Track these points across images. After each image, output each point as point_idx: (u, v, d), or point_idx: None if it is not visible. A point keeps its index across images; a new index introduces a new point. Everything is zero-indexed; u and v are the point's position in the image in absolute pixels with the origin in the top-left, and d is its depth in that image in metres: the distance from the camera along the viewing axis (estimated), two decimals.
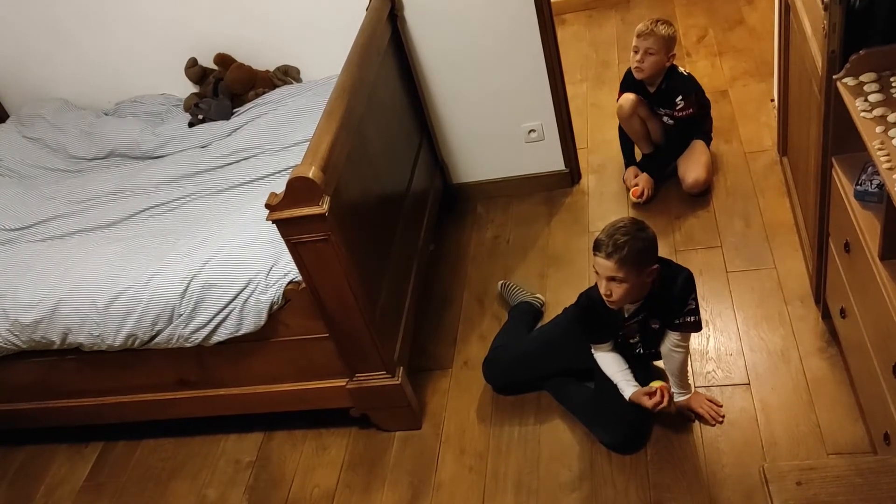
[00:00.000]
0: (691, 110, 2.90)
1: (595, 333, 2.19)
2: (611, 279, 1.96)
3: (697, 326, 2.09)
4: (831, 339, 2.28)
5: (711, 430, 2.16)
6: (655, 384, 2.08)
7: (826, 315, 2.31)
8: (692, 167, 2.91)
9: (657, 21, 2.82)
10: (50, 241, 2.52)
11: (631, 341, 2.20)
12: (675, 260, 2.66)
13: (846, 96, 1.75)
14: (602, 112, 3.53)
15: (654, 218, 2.88)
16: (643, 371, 2.26)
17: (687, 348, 2.14)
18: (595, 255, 1.97)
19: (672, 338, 2.12)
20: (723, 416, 2.18)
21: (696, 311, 2.08)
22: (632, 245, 1.91)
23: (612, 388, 2.20)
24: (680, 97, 2.88)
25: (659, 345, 2.18)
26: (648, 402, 2.06)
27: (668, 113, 2.95)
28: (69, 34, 2.98)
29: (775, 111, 2.91)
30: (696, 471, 2.08)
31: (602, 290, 2.00)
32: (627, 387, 2.14)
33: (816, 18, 1.96)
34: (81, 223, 2.56)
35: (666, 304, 2.07)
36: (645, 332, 2.16)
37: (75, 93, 3.13)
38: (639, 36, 2.82)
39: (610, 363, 2.19)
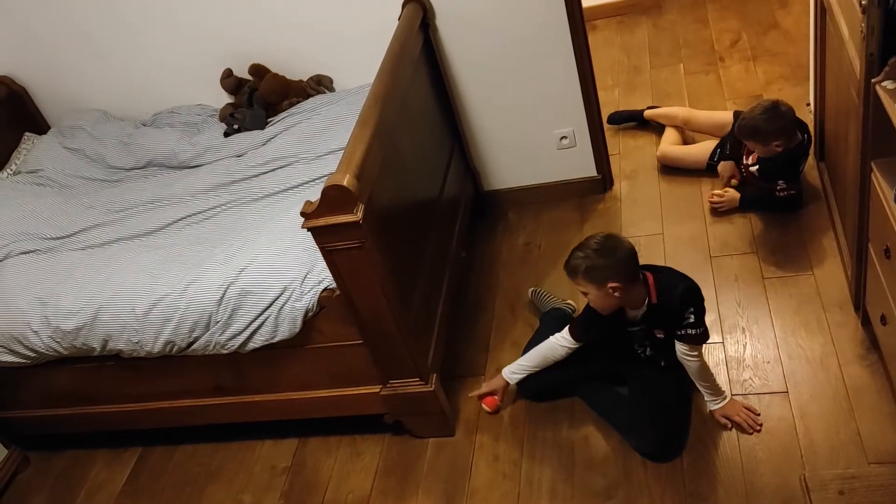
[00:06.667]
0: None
1: (592, 336, 2.23)
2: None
3: (700, 338, 2.09)
4: (871, 347, 2.24)
5: (749, 439, 2.13)
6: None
7: (866, 322, 2.27)
8: None
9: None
10: (90, 249, 2.56)
11: (639, 351, 2.23)
12: (710, 266, 2.65)
13: (885, 100, 1.73)
14: None
15: (688, 224, 2.86)
16: (652, 371, 2.25)
17: (698, 356, 2.13)
18: None
19: (679, 347, 2.13)
20: (760, 425, 2.15)
21: (697, 324, 2.07)
22: (585, 265, 2.03)
23: (646, 394, 2.19)
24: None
25: (673, 351, 2.17)
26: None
27: None
28: (107, 47, 3.04)
29: (811, 115, 2.88)
30: (733, 479, 2.05)
31: None
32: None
33: (854, 21, 1.93)
34: (120, 232, 2.60)
35: (665, 315, 2.09)
36: (652, 341, 2.19)
37: (113, 104, 3.20)
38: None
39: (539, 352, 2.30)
